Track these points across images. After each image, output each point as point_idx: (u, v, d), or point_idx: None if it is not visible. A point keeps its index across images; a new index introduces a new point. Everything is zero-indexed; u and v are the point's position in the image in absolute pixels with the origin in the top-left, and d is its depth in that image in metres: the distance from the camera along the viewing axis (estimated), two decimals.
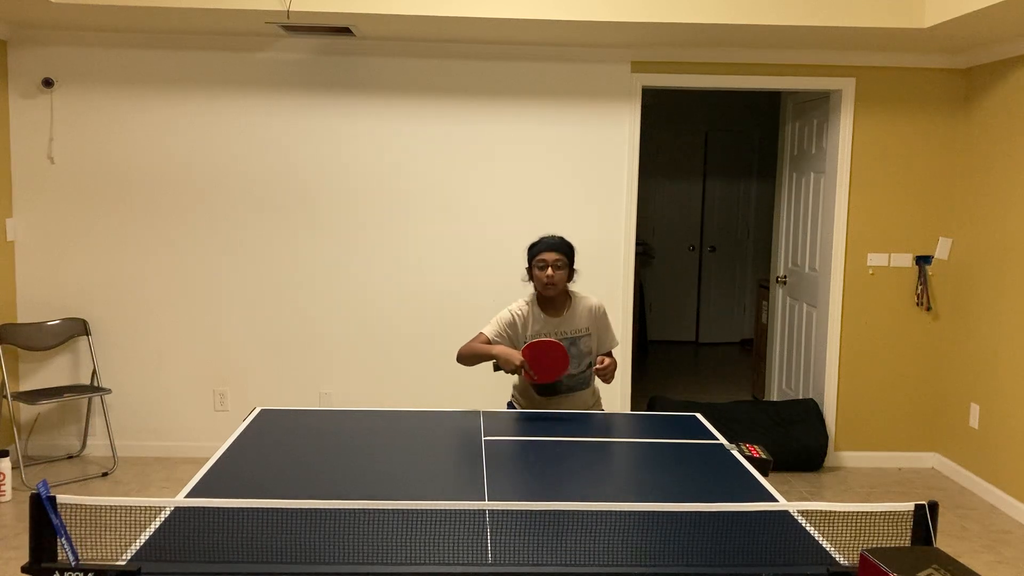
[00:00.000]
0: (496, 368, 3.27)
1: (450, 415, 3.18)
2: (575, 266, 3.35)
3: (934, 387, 5.24)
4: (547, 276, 3.24)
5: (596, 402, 3.52)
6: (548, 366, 3.20)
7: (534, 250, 3.32)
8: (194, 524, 2.07)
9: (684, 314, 8.87)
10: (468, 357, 3.29)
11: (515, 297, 3.43)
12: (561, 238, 3.33)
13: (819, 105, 5.38)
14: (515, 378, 3.48)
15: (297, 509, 2.15)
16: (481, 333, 3.31)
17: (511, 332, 3.31)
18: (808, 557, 1.98)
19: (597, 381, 3.44)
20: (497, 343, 3.27)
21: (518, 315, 3.32)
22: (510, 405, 3.51)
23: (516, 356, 3.17)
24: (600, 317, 3.39)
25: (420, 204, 5.06)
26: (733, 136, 8.65)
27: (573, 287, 3.40)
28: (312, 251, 5.07)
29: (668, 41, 4.74)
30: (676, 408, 5.02)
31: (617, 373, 5.06)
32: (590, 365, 3.38)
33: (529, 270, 3.35)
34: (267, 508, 2.14)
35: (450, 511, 2.17)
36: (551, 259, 3.25)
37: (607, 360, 3.25)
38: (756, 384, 6.63)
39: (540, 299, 3.35)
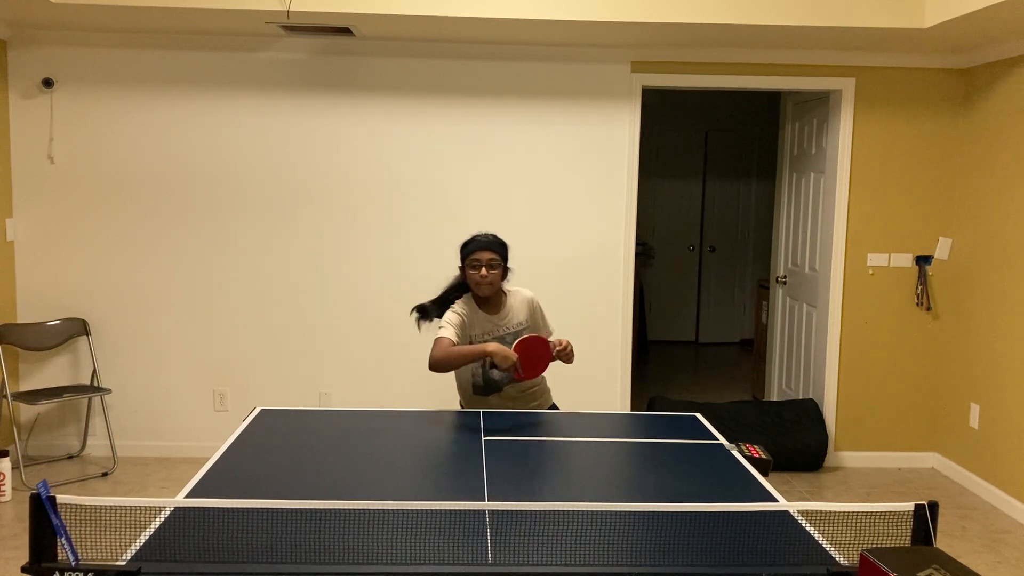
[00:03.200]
0: (491, 366, 3.21)
1: (450, 415, 3.18)
2: (508, 264, 3.32)
3: (934, 387, 5.24)
4: (480, 275, 3.20)
5: (544, 398, 3.45)
6: (534, 364, 3.17)
7: (467, 249, 3.26)
8: (194, 524, 2.07)
9: (684, 314, 8.87)
10: (450, 360, 3.11)
11: None
12: (494, 236, 3.28)
13: (819, 105, 5.38)
14: (453, 377, 3.44)
15: (297, 509, 2.15)
16: (444, 338, 3.16)
17: (461, 333, 3.25)
18: (808, 557, 1.98)
19: (555, 369, 3.38)
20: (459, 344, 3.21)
21: (464, 315, 3.27)
22: (462, 405, 3.47)
23: (512, 354, 3.07)
24: (535, 308, 3.38)
25: (420, 204, 5.06)
26: (733, 136, 8.65)
27: (504, 283, 3.35)
28: (312, 251, 5.07)
29: (668, 41, 4.74)
30: (676, 408, 5.02)
31: (617, 373, 5.10)
32: None
33: (462, 269, 3.30)
34: (267, 508, 2.14)
35: (450, 511, 2.17)
36: (485, 258, 3.21)
37: (564, 340, 3.21)
38: (756, 384, 6.63)
39: (477, 298, 3.31)
